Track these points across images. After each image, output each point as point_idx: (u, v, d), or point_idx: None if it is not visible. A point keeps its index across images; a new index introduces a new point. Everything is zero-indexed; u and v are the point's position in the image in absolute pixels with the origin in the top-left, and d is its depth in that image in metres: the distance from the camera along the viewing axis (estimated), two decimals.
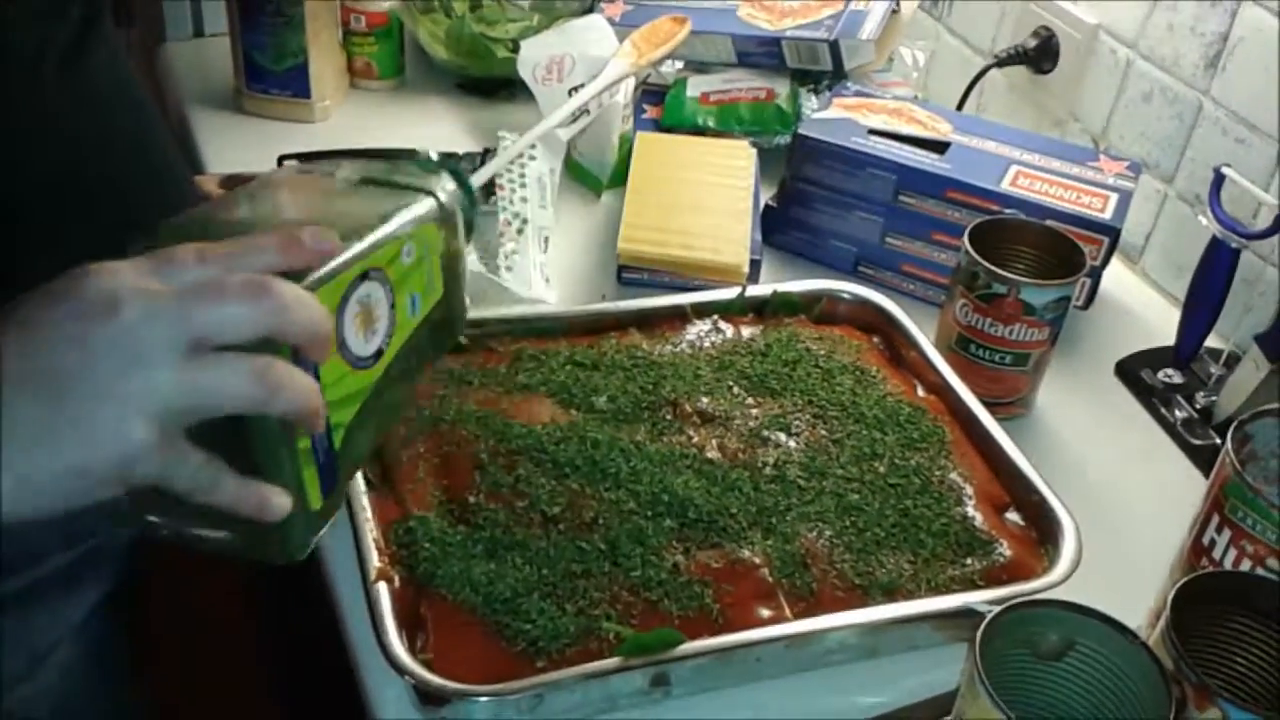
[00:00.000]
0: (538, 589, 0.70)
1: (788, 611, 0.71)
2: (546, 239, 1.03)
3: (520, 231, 1.01)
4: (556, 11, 1.31)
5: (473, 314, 0.94)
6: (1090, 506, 0.79)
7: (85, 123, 0.65)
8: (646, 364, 0.87)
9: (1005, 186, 1.00)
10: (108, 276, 0.47)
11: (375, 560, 0.70)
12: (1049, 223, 0.95)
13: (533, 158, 1.06)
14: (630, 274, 1.02)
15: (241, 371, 0.47)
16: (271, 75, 1.18)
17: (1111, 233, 0.99)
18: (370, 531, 0.72)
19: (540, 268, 1.01)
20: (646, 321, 0.92)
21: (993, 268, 0.87)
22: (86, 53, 0.64)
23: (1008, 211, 0.98)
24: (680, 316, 0.92)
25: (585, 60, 1.10)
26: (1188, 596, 0.62)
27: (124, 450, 0.46)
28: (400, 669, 0.64)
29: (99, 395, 0.46)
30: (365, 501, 0.73)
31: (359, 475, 0.75)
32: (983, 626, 0.58)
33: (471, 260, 1.02)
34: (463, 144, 1.14)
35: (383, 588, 0.68)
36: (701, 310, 0.93)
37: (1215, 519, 0.69)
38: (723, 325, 0.92)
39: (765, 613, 0.71)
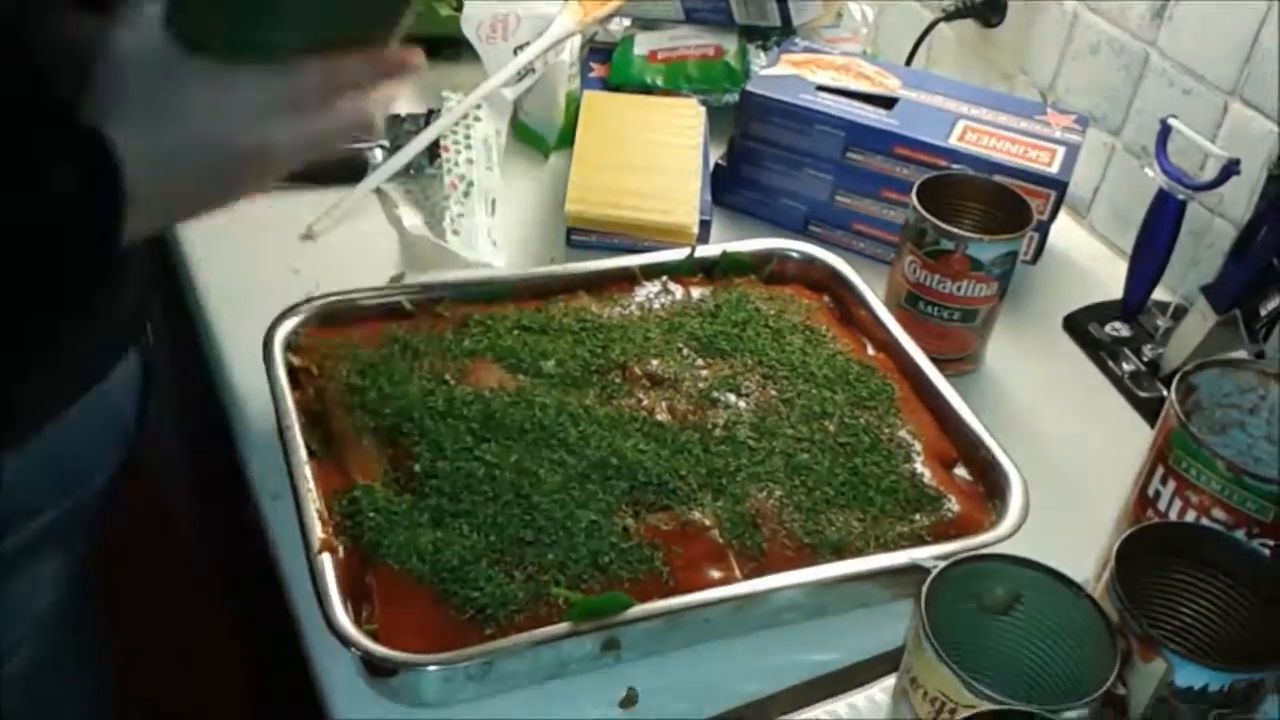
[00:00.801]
0: (485, 556, 0.69)
1: (738, 572, 0.71)
2: (493, 201, 1.02)
3: (466, 194, 0.99)
4: None
5: (418, 279, 0.93)
6: (1038, 461, 0.79)
7: None
8: (595, 327, 0.86)
9: (953, 142, 1.00)
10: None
11: (319, 531, 0.69)
12: (996, 178, 0.95)
13: (478, 119, 1.04)
14: (579, 236, 1.01)
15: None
16: None
17: (1059, 187, 0.99)
18: (313, 502, 0.71)
19: (487, 231, 1.00)
20: (595, 284, 0.91)
21: (940, 224, 0.87)
22: None
23: (955, 167, 0.97)
24: (629, 278, 0.91)
25: (530, 18, 1.08)
26: (1133, 548, 0.62)
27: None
28: (346, 641, 0.64)
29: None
30: (307, 471, 0.72)
31: (301, 447, 0.73)
32: (928, 581, 0.58)
33: (417, 224, 1.00)
34: (407, 105, 1.12)
35: (327, 559, 0.67)
36: (650, 272, 0.92)
37: (1160, 470, 0.69)
38: (672, 286, 0.91)
39: (715, 574, 0.70)
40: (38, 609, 0.77)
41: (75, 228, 0.55)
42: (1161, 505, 0.69)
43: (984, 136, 1.01)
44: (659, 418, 0.80)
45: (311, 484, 0.71)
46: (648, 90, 1.17)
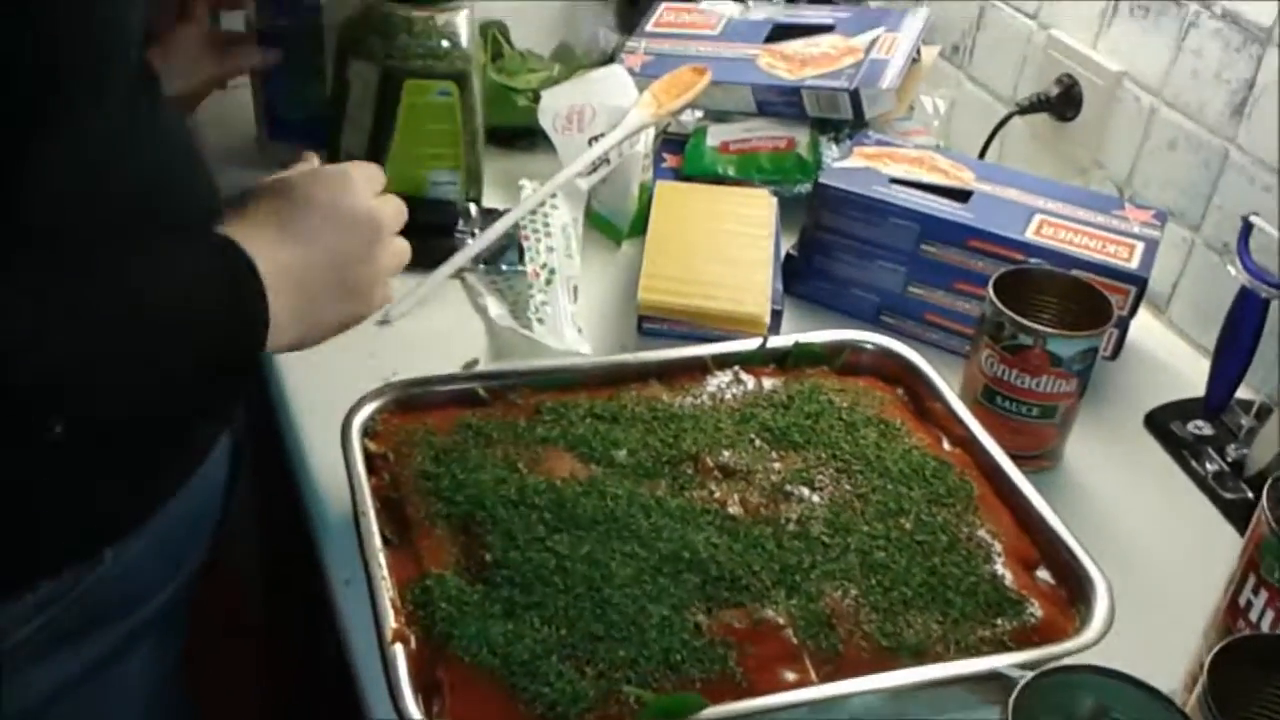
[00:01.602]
0: (557, 650, 0.68)
1: (812, 674, 0.69)
2: (575, 288, 1.03)
3: (549, 282, 1.00)
4: (577, 62, 1.32)
5: (491, 367, 0.94)
6: (1120, 563, 0.77)
7: (159, 155, 0.70)
8: (667, 416, 0.86)
9: (1029, 235, 0.99)
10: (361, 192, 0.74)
11: (391, 621, 0.69)
12: (1075, 272, 0.94)
13: (555, 207, 1.06)
14: (650, 324, 1.01)
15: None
16: (293, 125, 1.18)
17: (1139, 282, 0.97)
18: (387, 591, 0.70)
19: (571, 317, 1.00)
20: (667, 373, 0.91)
21: (1018, 318, 0.86)
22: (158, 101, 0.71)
23: (1032, 261, 0.97)
24: (701, 368, 0.91)
25: (605, 110, 1.10)
26: (1224, 660, 0.60)
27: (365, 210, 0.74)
28: None
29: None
30: (382, 559, 0.72)
31: (376, 534, 0.74)
32: (1015, 694, 0.57)
33: (502, 315, 1.01)
34: (490, 199, 1.14)
35: (399, 649, 0.67)
36: (722, 361, 0.92)
37: (1251, 579, 0.67)
38: (744, 377, 0.91)
39: (790, 675, 0.69)
40: (139, 699, 0.78)
41: (226, 326, 0.64)
42: (1253, 616, 0.67)
43: (1061, 230, 1.00)
44: (731, 510, 0.79)
45: (385, 572, 0.71)
46: (720, 181, 1.18)
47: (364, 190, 0.74)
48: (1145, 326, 1.09)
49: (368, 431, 0.82)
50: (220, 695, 1.45)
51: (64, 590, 0.68)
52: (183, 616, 0.82)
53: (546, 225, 1.02)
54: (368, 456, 0.80)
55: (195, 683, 0.92)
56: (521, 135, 1.24)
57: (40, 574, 0.67)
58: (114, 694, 0.77)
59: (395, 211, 0.77)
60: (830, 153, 1.18)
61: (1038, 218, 1.02)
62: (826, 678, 0.69)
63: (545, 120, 1.12)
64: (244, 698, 1.44)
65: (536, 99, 1.16)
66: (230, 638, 1.29)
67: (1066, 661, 0.67)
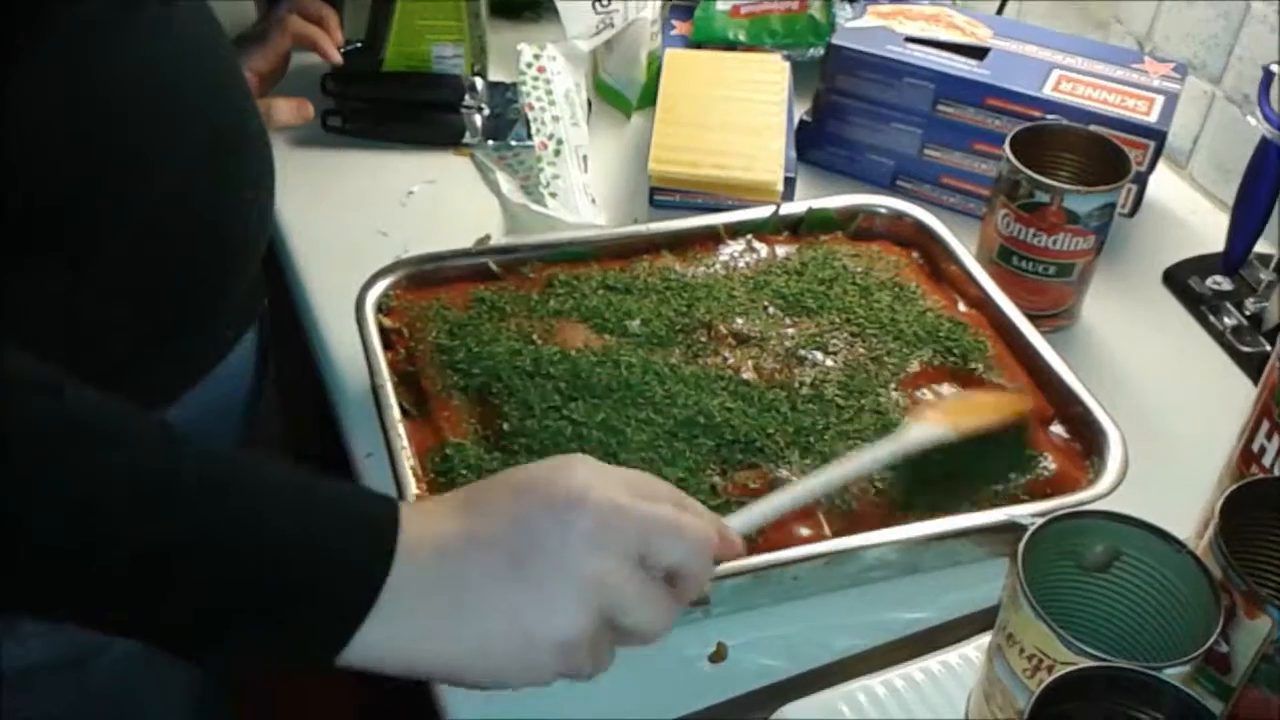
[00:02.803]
0: None
1: (826, 529, 0.70)
2: (585, 157, 1.01)
3: (557, 153, 0.99)
4: None
5: (503, 241, 0.94)
6: (1137, 418, 0.77)
7: (185, 54, 0.67)
8: (680, 286, 0.86)
9: (1047, 92, 0.97)
10: (596, 482, 0.52)
11: (413, 488, 0.70)
12: (1093, 128, 0.92)
13: (557, 73, 1.04)
14: (662, 196, 1.01)
15: (663, 605, 0.53)
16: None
17: (1158, 136, 0.96)
18: (408, 459, 0.72)
19: (584, 189, 0.99)
20: (679, 243, 0.90)
21: (1035, 175, 0.85)
22: None
23: (1050, 117, 0.95)
24: (713, 237, 0.91)
25: None
26: (1236, 504, 0.60)
27: (570, 630, 0.51)
28: None
29: (565, 571, 0.50)
30: (401, 430, 0.73)
31: (394, 405, 0.75)
32: (1025, 538, 0.57)
33: (512, 190, 1.01)
34: (496, 72, 1.12)
35: None
36: (735, 230, 0.91)
37: (1265, 425, 0.67)
38: (757, 245, 0.91)
39: (804, 531, 0.70)
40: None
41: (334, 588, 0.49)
42: (1266, 461, 0.67)
43: (1079, 86, 0.98)
44: (745, 376, 0.79)
45: (405, 441, 0.72)
46: (730, 47, 1.16)
47: (593, 475, 0.53)
48: (1165, 182, 1.07)
49: (382, 307, 0.82)
50: None
51: None
52: None
53: (550, 92, 1.00)
54: (383, 331, 0.81)
55: None
56: (527, 6, 1.22)
57: None
58: None
59: (659, 518, 0.53)
60: (844, 13, 1.15)
61: (1056, 73, 0.99)
62: (840, 532, 0.70)
63: None
64: None
65: None
66: None
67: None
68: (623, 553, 0.51)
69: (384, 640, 0.49)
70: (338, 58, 1.04)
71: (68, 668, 0.72)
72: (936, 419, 0.73)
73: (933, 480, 0.72)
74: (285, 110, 1.01)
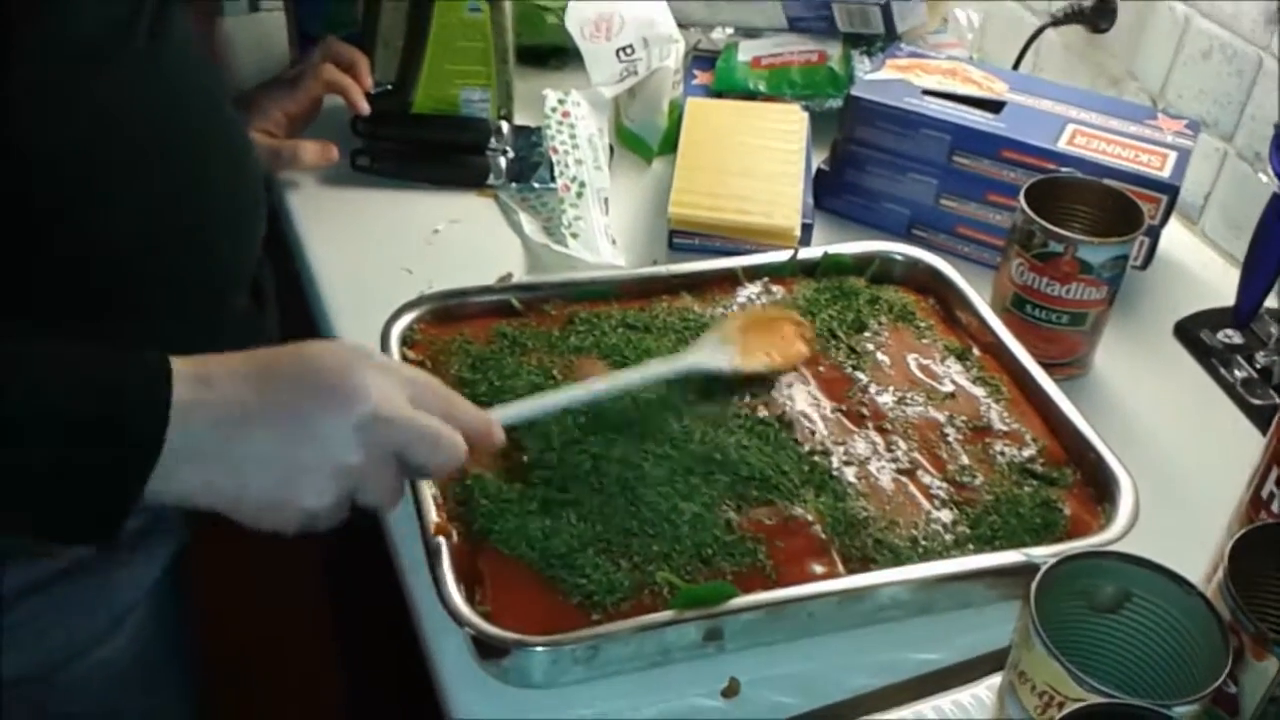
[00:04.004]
0: (592, 544, 0.71)
1: (840, 567, 0.71)
2: (606, 200, 1.03)
3: (580, 195, 1.01)
4: None
5: (526, 279, 0.96)
6: (1148, 466, 0.78)
7: (167, 95, 0.68)
8: (698, 326, 0.87)
9: (1062, 145, 0.99)
10: (376, 383, 0.61)
11: (434, 516, 0.71)
12: (1106, 181, 0.94)
13: (580, 118, 1.06)
14: (681, 239, 1.02)
15: (398, 492, 0.64)
16: None
17: (1170, 191, 0.97)
18: (429, 489, 0.73)
19: (605, 230, 1.01)
20: (698, 284, 0.92)
21: (1050, 225, 0.86)
22: (168, 27, 0.68)
23: (1064, 170, 0.97)
24: (731, 279, 0.93)
25: (635, 20, 1.10)
26: (1245, 548, 0.61)
27: (316, 503, 0.60)
28: (460, 620, 0.65)
29: (327, 457, 0.60)
30: None
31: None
32: (1038, 577, 0.58)
33: (535, 230, 1.03)
34: (516, 112, 1.15)
35: (442, 542, 0.70)
36: (753, 273, 0.93)
37: (1275, 472, 0.68)
38: (774, 288, 0.92)
39: (818, 568, 0.71)
40: (140, 594, 0.80)
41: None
42: (1275, 507, 0.68)
43: (1093, 140, 1.00)
44: (760, 414, 0.80)
45: None
46: (751, 96, 1.18)
47: (376, 378, 0.61)
48: (1176, 237, 1.09)
49: (406, 340, 0.84)
50: (262, 591, 1.48)
51: None
52: (190, 519, 0.83)
53: (573, 136, 1.02)
54: (406, 364, 0.82)
55: (224, 582, 0.94)
56: (552, 54, 1.25)
57: None
58: (118, 589, 0.79)
59: (423, 432, 0.62)
60: (862, 66, 1.18)
61: (1070, 128, 1.01)
62: (853, 570, 0.71)
63: (573, 27, 1.10)
64: (288, 593, 1.47)
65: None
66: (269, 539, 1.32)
67: None
68: (380, 454, 0.60)
69: (159, 494, 0.57)
70: (365, 108, 1.06)
71: (31, 683, 0.74)
72: (725, 354, 0.80)
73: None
74: (311, 152, 1.03)
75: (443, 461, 0.63)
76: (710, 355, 0.81)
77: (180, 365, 0.58)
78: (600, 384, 0.76)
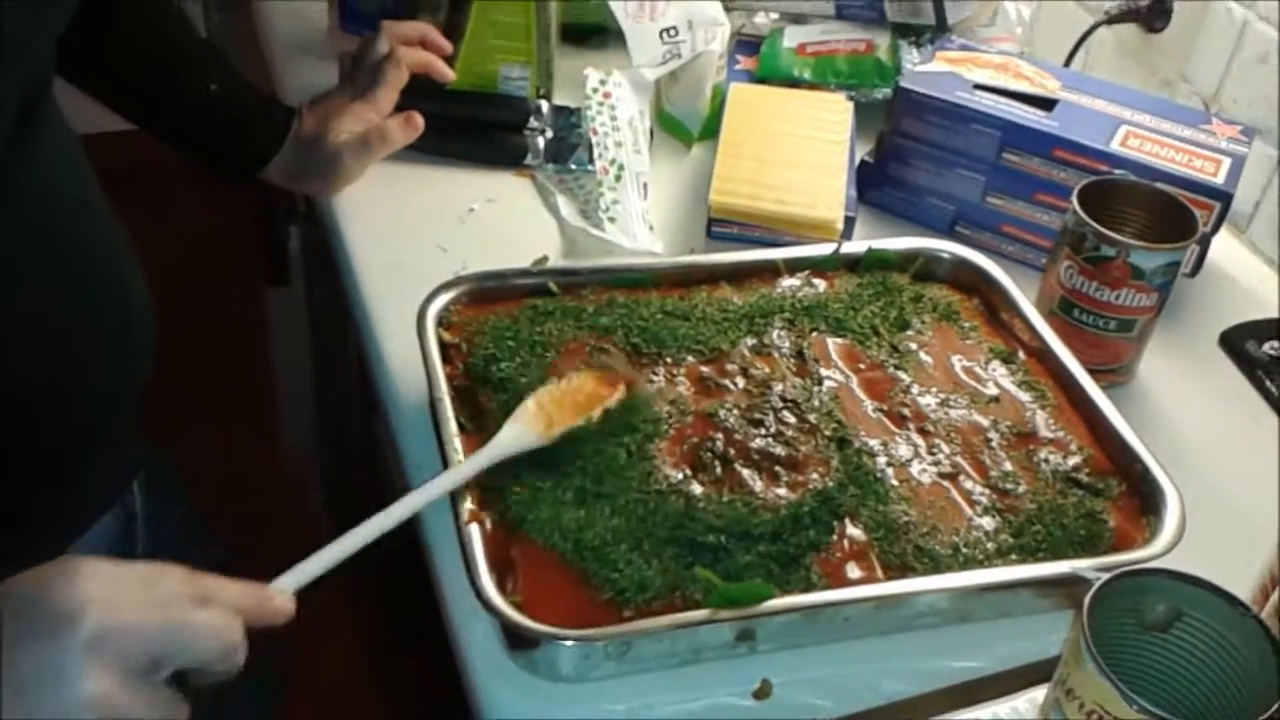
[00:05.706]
0: (626, 540, 0.69)
1: (879, 572, 0.70)
2: (645, 184, 1.02)
3: (618, 178, 1.00)
4: None
5: (564, 263, 0.94)
6: (1192, 478, 0.76)
7: (33, 211, 0.64)
8: (737, 316, 0.86)
9: (1115, 147, 0.97)
10: (97, 593, 0.51)
11: (467, 503, 0.70)
12: (1160, 185, 0.92)
13: (621, 98, 1.04)
14: (720, 228, 1.01)
15: (176, 706, 0.54)
16: (365, 16, 1.17)
17: (1224, 198, 0.95)
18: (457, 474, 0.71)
19: (642, 215, 1.00)
20: (737, 275, 0.90)
21: (1102, 229, 0.84)
22: (31, 143, 0.62)
23: (1117, 172, 0.95)
24: (772, 271, 0.91)
25: (679, 1, 1.08)
26: None
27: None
28: (491, 609, 0.64)
29: (64, 699, 0.49)
30: (458, 444, 0.73)
31: (451, 420, 0.74)
32: (1091, 594, 0.57)
33: (571, 213, 1.01)
34: (555, 91, 1.13)
35: (474, 529, 0.68)
36: (794, 265, 0.91)
37: None
38: (815, 281, 0.90)
39: (857, 573, 0.70)
40: None
41: None
42: None
43: (1147, 143, 0.98)
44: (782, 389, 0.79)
45: (461, 456, 0.72)
46: (795, 84, 1.16)
47: (93, 588, 0.51)
48: (1225, 246, 1.06)
49: (442, 321, 0.83)
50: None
51: None
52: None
53: (614, 118, 1.01)
54: (442, 345, 0.81)
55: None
56: (594, 33, 1.23)
57: None
58: None
59: (174, 630, 0.53)
60: (911, 57, 1.15)
61: (1124, 129, 0.99)
62: (892, 575, 0.69)
63: (615, 6, 1.08)
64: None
65: None
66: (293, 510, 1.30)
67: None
68: (124, 669, 0.51)
69: None
70: (452, 74, 1.03)
71: None
72: (529, 423, 0.72)
73: None
74: (397, 130, 0.98)
75: (213, 654, 0.53)
76: (515, 441, 0.73)
77: None
78: (396, 509, 0.66)
